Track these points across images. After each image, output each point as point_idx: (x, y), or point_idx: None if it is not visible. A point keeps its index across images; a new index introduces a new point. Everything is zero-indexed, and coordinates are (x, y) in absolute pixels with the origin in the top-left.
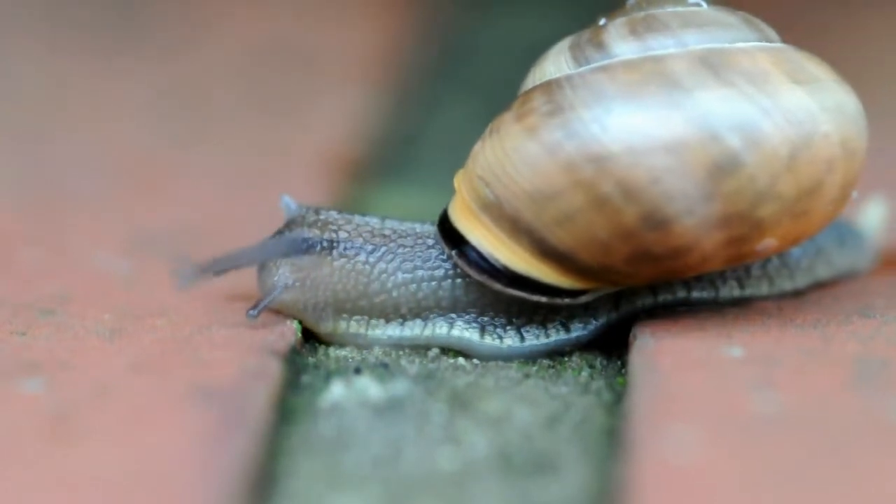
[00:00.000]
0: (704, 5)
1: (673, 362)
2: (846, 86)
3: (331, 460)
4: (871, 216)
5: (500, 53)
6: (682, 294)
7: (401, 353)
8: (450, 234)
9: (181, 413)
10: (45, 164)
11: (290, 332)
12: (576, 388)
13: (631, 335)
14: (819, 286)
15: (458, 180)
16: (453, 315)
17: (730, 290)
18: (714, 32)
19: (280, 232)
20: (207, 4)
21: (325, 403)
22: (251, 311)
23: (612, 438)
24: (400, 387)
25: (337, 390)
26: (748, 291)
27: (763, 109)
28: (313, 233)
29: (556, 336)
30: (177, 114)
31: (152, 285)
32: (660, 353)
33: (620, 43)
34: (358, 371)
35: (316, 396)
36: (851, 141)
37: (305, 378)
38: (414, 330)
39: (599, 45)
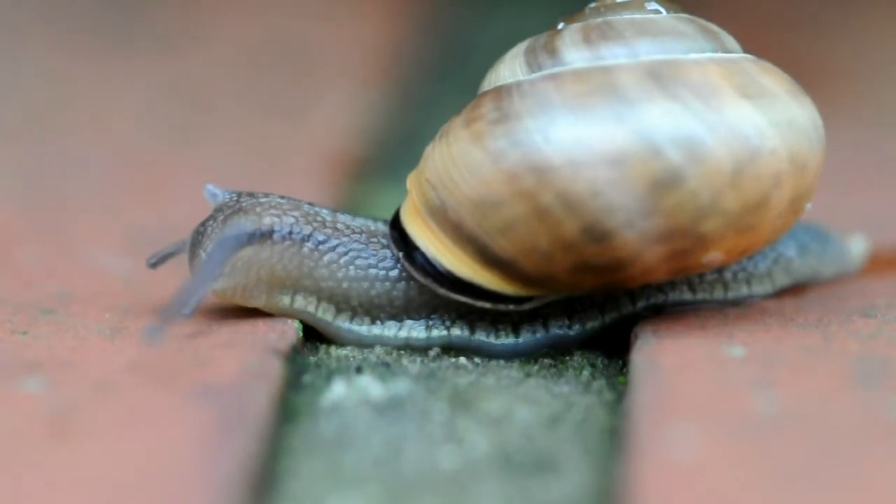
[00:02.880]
0: (664, 12)
1: (674, 361)
2: (802, 99)
3: (332, 460)
4: (853, 251)
5: (500, 53)
6: (627, 310)
7: (402, 351)
8: (400, 235)
9: (181, 412)
10: (45, 164)
11: (291, 330)
12: (577, 387)
13: (632, 334)
14: (786, 291)
15: (410, 181)
16: (404, 315)
17: (680, 294)
18: (668, 43)
19: (213, 219)
20: (207, 4)
21: (326, 403)
22: (184, 311)
23: (613, 437)
24: (401, 386)
25: (338, 389)
26: (700, 296)
27: (707, 124)
28: (251, 220)
29: (505, 339)
30: (177, 114)
31: (152, 284)
32: (661, 352)
33: (572, 50)
34: (359, 370)
35: (317, 396)
36: (801, 155)
37: (306, 377)
38: (361, 327)
39: (552, 52)
